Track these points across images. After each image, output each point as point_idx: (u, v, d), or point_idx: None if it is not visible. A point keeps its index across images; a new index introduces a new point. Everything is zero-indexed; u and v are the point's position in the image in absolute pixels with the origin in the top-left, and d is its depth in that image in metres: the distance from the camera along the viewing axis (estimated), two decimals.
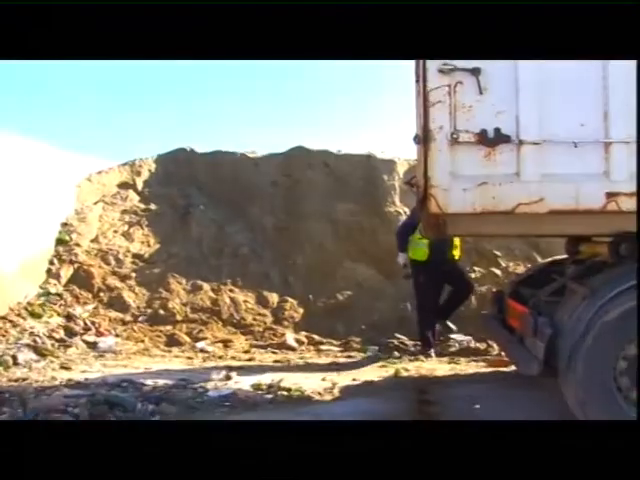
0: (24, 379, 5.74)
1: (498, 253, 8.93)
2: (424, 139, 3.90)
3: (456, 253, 7.32)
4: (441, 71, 3.86)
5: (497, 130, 3.88)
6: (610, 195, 3.85)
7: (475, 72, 3.87)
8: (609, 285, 3.89)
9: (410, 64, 5.12)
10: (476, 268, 8.86)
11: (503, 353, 6.18)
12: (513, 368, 6.20)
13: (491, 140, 3.88)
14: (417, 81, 4.11)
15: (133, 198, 10.67)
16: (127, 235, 9.85)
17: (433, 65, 3.86)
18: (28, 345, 7.08)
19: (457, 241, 7.21)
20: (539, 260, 8.21)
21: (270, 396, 5.24)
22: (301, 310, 8.61)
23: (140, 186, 10.89)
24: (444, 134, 3.86)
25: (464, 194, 3.87)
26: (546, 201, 3.88)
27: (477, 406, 4.96)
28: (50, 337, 7.50)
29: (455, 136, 3.85)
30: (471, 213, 3.92)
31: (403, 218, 9.18)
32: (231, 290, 8.86)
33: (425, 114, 3.90)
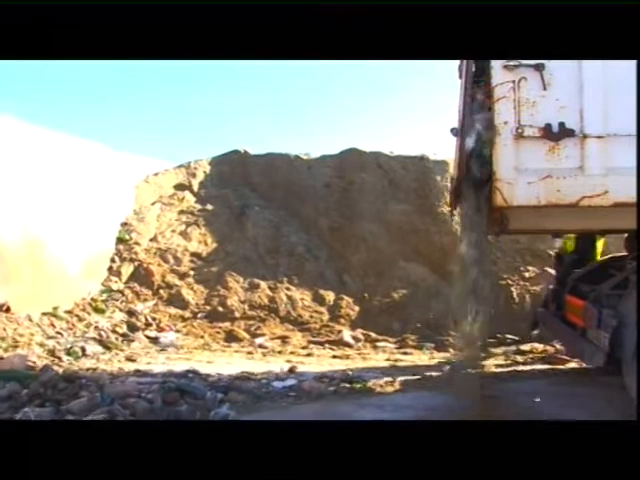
0: (94, 369, 5.98)
1: (551, 253, 8.89)
2: None
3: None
4: (506, 67, 3.93)
5: (561, 124, 3.92)
6: None
7: (539, 68, 3.93)
8: None
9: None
10: (530, 268, 8.90)
11: (565, 348, 6.18)
12: (570, 366, 6.23)
13: (555, 134, 3.93)
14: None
15: (189, 199, 10.97)
16: (184, 234, 10.13)
17: (498, 61, 3.93)
18: (94, 338, 7.42)
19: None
20: None
21: (333, 388, 5.35)
22: (357, 308, 8.75)
23: (196, 187, 11.19)
24: (509, 129, 3.92)
25: (529, 187, 3.91)
26: (610, 194, 3.88)
27: (537, 399, 4.99)
28: (114, 331, 7.83)
29: (520, 131, 3.90)
30: (535, 206, 3.97)
31: (456, 219, 9.22)
32: (288, 288, 9.05)
33: (490, 110, 3.98)
